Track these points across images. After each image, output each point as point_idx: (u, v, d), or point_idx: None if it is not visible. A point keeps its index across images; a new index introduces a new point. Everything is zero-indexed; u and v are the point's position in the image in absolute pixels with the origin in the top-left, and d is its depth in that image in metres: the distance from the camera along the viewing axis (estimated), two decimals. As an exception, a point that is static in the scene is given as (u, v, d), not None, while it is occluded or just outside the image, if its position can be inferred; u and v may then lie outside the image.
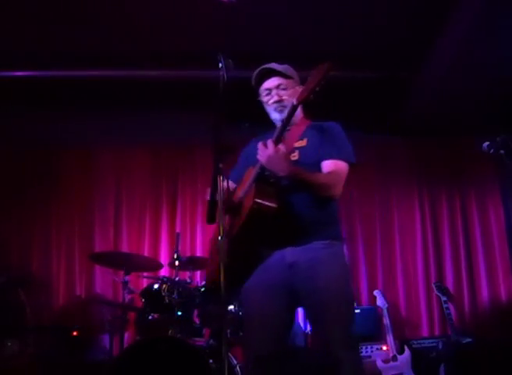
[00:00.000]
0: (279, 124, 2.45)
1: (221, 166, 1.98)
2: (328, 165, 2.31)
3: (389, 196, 5.31)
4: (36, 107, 4.97)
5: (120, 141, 5.19)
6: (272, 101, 2.42)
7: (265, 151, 2.13)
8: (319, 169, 2.32)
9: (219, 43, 2.62)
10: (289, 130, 2.35)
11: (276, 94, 2.41)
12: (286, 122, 2.18)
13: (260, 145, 2.16)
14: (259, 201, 2.10)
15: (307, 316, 2.29)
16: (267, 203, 2.13)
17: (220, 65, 2.09)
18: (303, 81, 2.22)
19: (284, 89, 2.41)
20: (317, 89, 2.05)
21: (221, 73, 2.09)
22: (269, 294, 2.24)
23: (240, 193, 2.32)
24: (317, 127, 2.42)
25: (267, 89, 2.44)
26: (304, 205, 2.26)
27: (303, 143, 2.39)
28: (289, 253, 2.24)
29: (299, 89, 2.26)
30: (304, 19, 4.21)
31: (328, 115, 2.48)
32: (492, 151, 2.80)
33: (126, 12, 4.08)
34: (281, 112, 2.38)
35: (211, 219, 2.08)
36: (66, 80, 4.81)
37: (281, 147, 2.16)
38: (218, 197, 1.97)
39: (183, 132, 5.06)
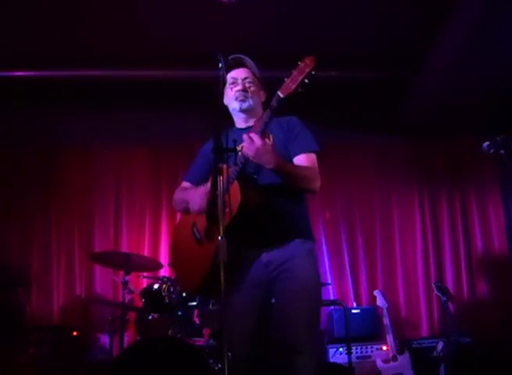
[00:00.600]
0: (238, 115, 2.49)
1: (221, 165, 1.97)
2: (301, 159, 2.35)
3: (389, 196, 5.30)
4: (36, 106, 4.97)
5: (120, 140, 5.19)
6: (236, 88, 2.45)
7: (253, 144, 2.13)
8: None
9: (219, 43, 2.62)
10: (252, 126, 2.36)
11: (242, 84, 2.45)
12: (272, 115, 2.17)
13: (246, 138, 2.15)
14: (246, 197, 2.11)
15: (275, 309, 2.31)
16: (253, 199, 2.15)
17: (220, 65, 2.10)
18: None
19: (250, 83, 2.47)
20: (306, 81, 2.05)
21: (221, 73, 2.10)
22: (248, 294, 2.27)
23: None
24: (277, 123, 2.43)
25: (233, 78, 2.48)
26: (282, 202, 2.29)
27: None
28: (266, 252, 2.28)
29: (262, 94, 2.48)
30: (304, 19, 4.21)
31: (327, 115, 2.47)
32: (492, 151, 2.81)
33: (126, 13, 4.08)
34: (242, 101, 2.43)
35: (213, 219, 2.08)
36: (66, 80, 4.82)
37: (267, 140, 2.18)
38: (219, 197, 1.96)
39: (183, 132, 5.06)
